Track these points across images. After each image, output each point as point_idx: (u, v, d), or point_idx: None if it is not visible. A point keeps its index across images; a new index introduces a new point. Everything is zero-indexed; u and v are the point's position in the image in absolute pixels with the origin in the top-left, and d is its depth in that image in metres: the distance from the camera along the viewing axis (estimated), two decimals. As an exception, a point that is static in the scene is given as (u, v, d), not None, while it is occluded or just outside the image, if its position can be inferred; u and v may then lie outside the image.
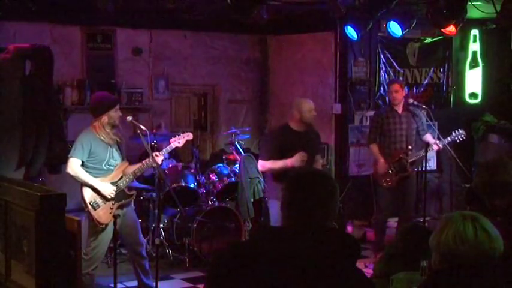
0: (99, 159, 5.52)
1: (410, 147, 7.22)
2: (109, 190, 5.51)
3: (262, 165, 6.04)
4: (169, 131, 8.05)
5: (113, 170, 5.62)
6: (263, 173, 6.87)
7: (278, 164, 5.83)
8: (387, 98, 8.13)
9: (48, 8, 6.87)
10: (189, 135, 6.06)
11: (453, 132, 7.29)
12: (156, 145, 6.27)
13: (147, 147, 5.71)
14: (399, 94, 7.23)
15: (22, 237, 3.51)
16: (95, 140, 5.51)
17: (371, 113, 8.28)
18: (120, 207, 5.62)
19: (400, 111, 7.24)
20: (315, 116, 6.10)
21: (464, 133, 7.28)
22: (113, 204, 5.56)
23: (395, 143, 7.24)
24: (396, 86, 7.28)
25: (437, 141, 7.24)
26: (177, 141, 5.98)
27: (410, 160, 7.17)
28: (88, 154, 5.46)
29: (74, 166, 5.45)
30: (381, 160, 7.17)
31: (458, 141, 7.32)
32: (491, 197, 3.62)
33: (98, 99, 5.72)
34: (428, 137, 7.31)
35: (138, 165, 5.69)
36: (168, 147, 5.96)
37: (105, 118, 5.50)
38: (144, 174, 6.28)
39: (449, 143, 7.23)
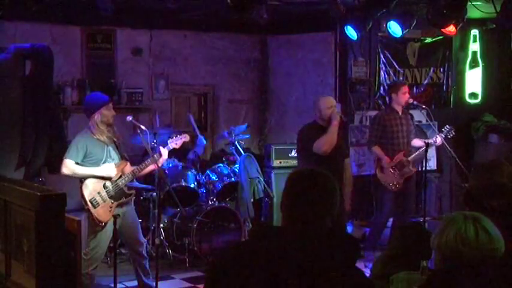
0: (96, 159, 5.53)
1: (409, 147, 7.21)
2: (111, 170, 5.52)
3: None
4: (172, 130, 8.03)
5: (111, 169, 5.62)
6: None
7: None
8: (387, 98, 8.12)
9: (48, 8, 6.85)
10: (186, 137, 6.09)
11: (443, 129, 7.31)
12: (155, 145, 6.27)
13: (147, 147, 5.73)
14: (407, 95, 7.25)
15: (22, 237, 3.50)
16: (91, 140, 5.52)
17: (371, 113, 8.27)
18: (120, 205, 5.62)
19: (400, 113, 7.24)
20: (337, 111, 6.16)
21: (453, 129, 7.29)
22: (112, 203, 5.56)
23: (397, 145, 7.20)
24: (407, 87, 7.31)
25: (435, 138, 7.24)
26: (174, 143, 6.01)
27: (409, 159, 7.16)
28: (84, 155, 5.48)
29: (69, 165, 5.46)
30: (386, 158, 7.08)
31: (449, 136, 7.32)
32: (488, 198, 3.61)
33: (89, 99, 5.78)
34: (417, 142, 7.28)
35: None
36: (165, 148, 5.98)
37: (98, 116, 5.52)
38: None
39: (444, 139, 7.23)
